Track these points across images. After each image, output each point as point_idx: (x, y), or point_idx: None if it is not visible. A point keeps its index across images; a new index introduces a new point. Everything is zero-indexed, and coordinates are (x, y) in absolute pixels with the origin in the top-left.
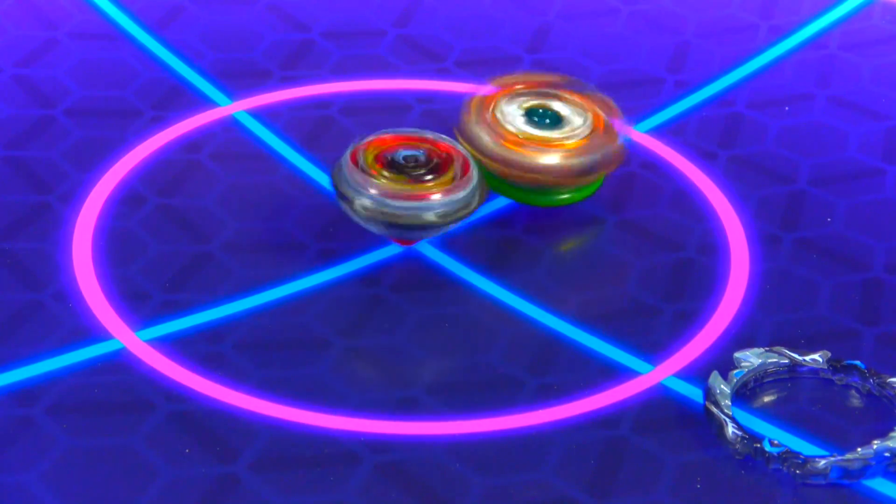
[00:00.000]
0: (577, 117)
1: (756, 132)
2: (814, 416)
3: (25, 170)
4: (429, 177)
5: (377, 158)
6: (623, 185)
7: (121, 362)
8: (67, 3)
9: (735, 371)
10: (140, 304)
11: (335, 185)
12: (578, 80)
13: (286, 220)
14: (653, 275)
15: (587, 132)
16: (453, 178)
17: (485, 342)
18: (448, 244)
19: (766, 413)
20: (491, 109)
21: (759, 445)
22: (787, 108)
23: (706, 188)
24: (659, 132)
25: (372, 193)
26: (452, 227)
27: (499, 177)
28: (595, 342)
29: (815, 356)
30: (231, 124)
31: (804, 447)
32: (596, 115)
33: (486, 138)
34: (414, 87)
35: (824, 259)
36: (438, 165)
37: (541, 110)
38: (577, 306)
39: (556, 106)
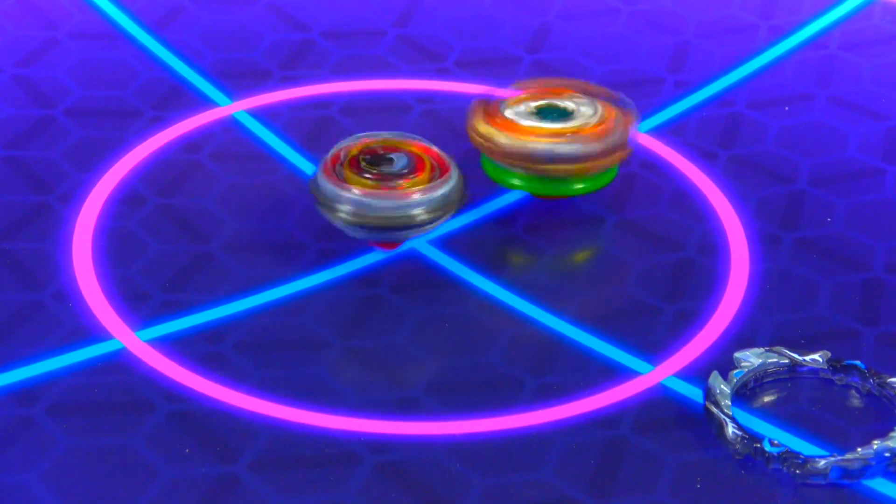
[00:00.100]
0: (586, 108)
1: (756, 132)
2: (814, 416)
3: (25, 170)
4: (406, 177)
5: (353, 163)
6: (623, 185)
7: (121, 362)
8: (67, 3)
9: (735, 371)
10: (140, 304)
11: (315, 195)
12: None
13: (286, 220)
14: (653, 275)
15: (600, 119)
16: (431, 177)
17: (485, 342)
18: (448, 244)
19: (766, 413)
20: (501, 112)
21: (759, 445)
22: (787, 108)
23: (706, 188)
24: (659, 132)
25: (351, 196)
26: (435, 227)
27: (516, 171)
28: (595, 342)
29: (815, 356)
30: (231, 124)
31: (804, 447)
32: (604, 105)
33: (502, 135)
34: (414, 87)
35: (824, 259)
36: (415, 166)
37: (549, 108)
38: (577, 306)
39: (565, 103)
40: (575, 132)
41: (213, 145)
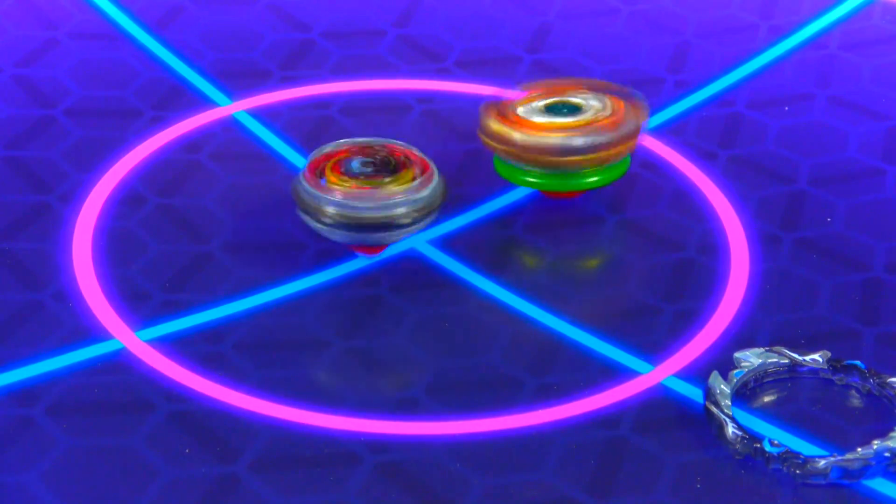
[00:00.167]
0: (595, 102)
1: (756, 132)
2: (814, 416)
3: (25, 170)
4: (388, 179)
5: (334, 168)
6: (623, 185)
7: (121, 362)
8: (67, 3)
9: (735, 371)
10: (140, 304)
11: (296, 200)
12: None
13: (286, 220)
14: (653, 275)
15: (612, 110)
16: (413, 179)
17: (485, 342)
18: (448, 244)
19: (766, 413)
20: (511, 111)
21: (759, 445)
22: (787, 108)
23: (706, 188)
24: (659, 132)
25: (334, 198)
26: (417, 229)
27: (529, 167)
28: (595, 342)
29: (815, 356)
30: (231, 124)
31: (804, 447)
32: (612, 98)
33: (514, 133)
34: (414, 87)
35: (824, 259)
36: (396, 168)
37: (559, 105)
38: (577, 306)
39: (573, 99)
40: (588, 123)
41: (213, 145)
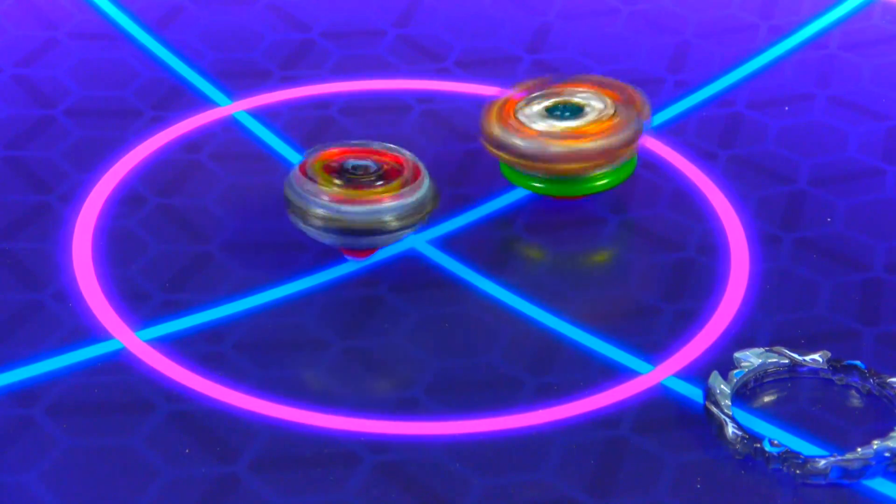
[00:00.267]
0: (596, 102)
1: (756, 132)
2: (814, 416)
3: (25, 170)
4: (379, 183)
5: (325, 169)
6: (623, 185)
7: (121, 362)
8: (67, 3)
9: (735, 371)
10: (140, 304)
11: (286, 202)
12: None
13: (286, 220)
14: (653, 275)
15: (613, 111)
16: (403, 184)
17: (485, 342)
18: (448, 244)
19: (766, 413)
20: (513, 115)
21: (759, 445)
22: (787, 108)
23: (706, 188)
24: (659, 132)
25: (324, 201)
26: (406, 234)
27: (534, 175)
28: (595, 342)
29: (815, 356)
30: (231, 124)
31: (804, 447)
32: (612, 95)
33: (517, 140)
34: (414, 87)
35: (824, 259)
36: (387, 173)
37: (560, 106)
38: (577, 306)
39: (575, 98)
40: (593, 128)
41: (213, 145)
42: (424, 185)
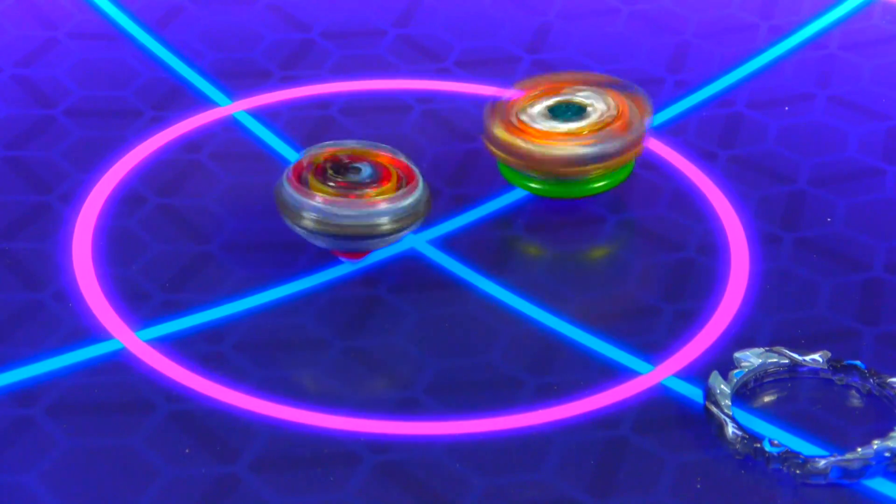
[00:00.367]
0: (599, 102)
1: (756, 132)
2: (814, 416)
3: (25, 170)
4: (372, 186)
5: (319, 171)
6: (623, 185)
7: (121, 362)
8: (67, 3)
9: (735, 371)
10: (140, 304)
11: (278, 202)
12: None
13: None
14: (653, 275)
15: (616, 112)
16: (397, 187)
17: (485, 342)
18: (448, 244)
19: (766, 413)
20: (515, 114)
21: (759, 445)
22: (787, 108)
23: (706, 188)
24: (659, 132)
25: (317, 204)
26: (400, 237)
27: (533, 176)
28: (595, 342)
29: (815, 356)
30: (231, 124)
31: (804, 447)
32: (614, 95)
33: (518, 141)
34: (414, 87)
35: (824, 259)
36: (381, 175)
37: (563, 105)
38: (577, 306)
39: (577, 98)
40: (596, 130)
41: (213, 145)
42: (419, 189)
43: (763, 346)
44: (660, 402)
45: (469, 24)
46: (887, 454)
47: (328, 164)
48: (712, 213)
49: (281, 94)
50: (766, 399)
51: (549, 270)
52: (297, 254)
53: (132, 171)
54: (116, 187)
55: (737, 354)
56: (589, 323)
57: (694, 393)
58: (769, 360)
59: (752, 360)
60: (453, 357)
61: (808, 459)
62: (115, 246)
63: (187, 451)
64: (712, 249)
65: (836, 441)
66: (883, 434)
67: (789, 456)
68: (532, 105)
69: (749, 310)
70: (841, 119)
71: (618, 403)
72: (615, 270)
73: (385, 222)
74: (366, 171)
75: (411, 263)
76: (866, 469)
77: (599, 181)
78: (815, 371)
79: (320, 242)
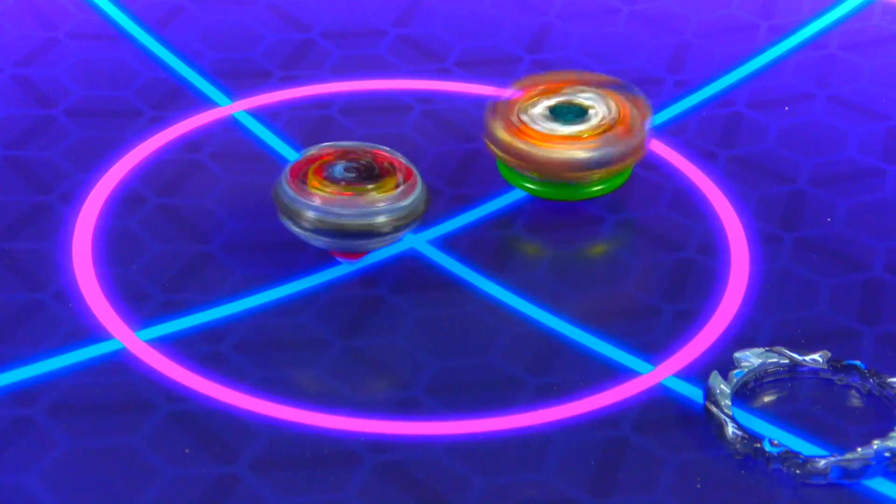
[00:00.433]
0: (600, 105)
1: (756, 132)
2: (814, 416)
3: (25, 170)
4: (371, 186)
5: (317, 171)
6: (623, 184)
7: (121, 362)
8: (67, 3)
9: (735, 371)
10: (140, 304)
11: (277, 203)
12: (617, 79)
13: None
14: (653, 275)
15: (618, 115)
16: (396, 186)
17: (485, 342)
18: (448, 244)
19: (766, 413)
20: (516, 113)
21: (759, 445)
22: (787, 108)
23: (706, 188)
24: (659, 132)
25: (315, 203)
26: (399, 236)
27: (531, 177)
28: (595, 342)
29: (815, 356)
30: (231, 124)
31: (804, 447)
32: (615, 97)
33: (517, 141)
34: (414, 87)
35: (824, 259)
36: (380, 175)
37: (564, 106)
38: (577, 306)
39: (578, 99)
40: (598, 134)
41: (213, 145)
42: (417, 188)
43: (763, 346)
44: (660, 402)
45: (469, 24)
46: (887, 454)
47: (326, 165)
48: (712, 213)
49: (281, 94)
50: (766, 399)
51: (549, 270)
52: (297, 254)
53: (132, 171)
54: (116, 187)
55: (737, 354)
56: (589, 323)
57: (694, 393)
58: (769, 360)
59: (752, 360)
60: (453, 357)
61: (808, 459)
62: (115, 246)
63: (187, 451)
64: (712, 249)
65: (836, 441)
66: (883, 434)
67: (789, 456)
68: (533, 105)
69: (749, 310)
70: (841, 119)
71: (618, 403)
72: (615, 270)
73: (384, 221)
74: (364, 170)
75: (411, 263)
76: (866, 469)
77: (597, 185)
78: (815, 371)
79: (318, 242)
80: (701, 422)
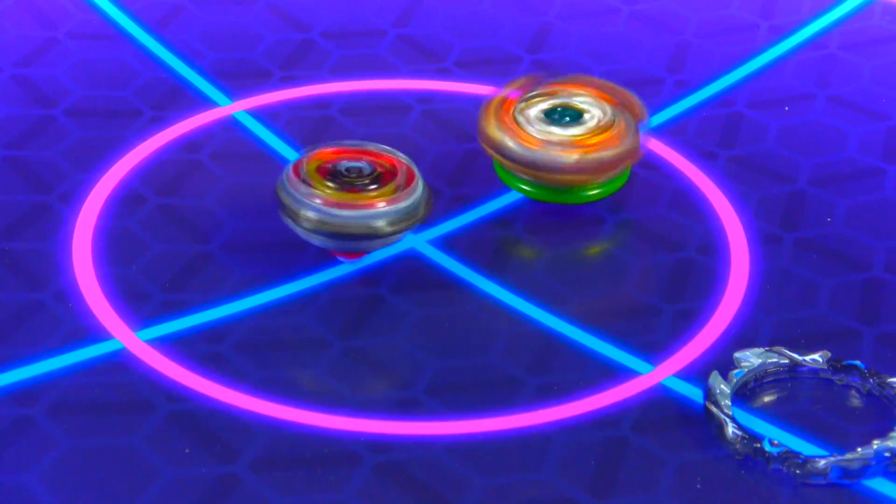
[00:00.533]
0: (595, 108)
1: (756, 132)
2: (814, 416)
3: (25, 170)
4: (372, 187)
5: (319, 171)
6: (622, 186)
7: (121, 362)
8: (67, 3)
9: (735, 371)
10: (140, 304)
11: (278, 199)
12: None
13: None
14: (653, 275)
15: (612, 120)
16: (397, 188)
17: (485, 342)
18: (448, 244)
19: (766, 413)
20: (511, 114)
21: (759, 445)
22: (787, 108)
23: (706, 188)
24: (659, 132)
25: (316, 204)
26: (399, 237)
27: (527, 180)
28: (595, 342)
29: (815, 356)
30: (231, 124)
31: (804, 447)
32: (610, 101)
33: (511, 144)
34: (414, 87)
35: (824, 259)
36: (381, 176)
37: (559, 109)
38: (577, 306)
39: (574, 102)
40: (592, 140)
41: (213, 145)
42: (418, 190)
43: (763, 346)
44: (660, 402)
45: (469, 24)
46: (887, 454)
47: (328, 164)
48: (712, 213)
49: (281, 94)
50: (766, 399)
51: (549, 270)
52: (297, 254)
53: (132, 171)
54: (116, 187)
55: (737, 354)
56: (589, 323)
57: (694, 393)
58: (769, 360)
59: (752, 360)
60: (453, 357)
61: (808, 459)
62: (115, 246)
63: (187, 451)
64: (712, 249)
65: (836, 441)
66: (883, 434)
67: (789, 456)
68: (529, 107)
69: (749, 310)
70: (841, 119)
71: (618, 403)
72: (615, 270)
73: (384, 223)
74: (366, 170)
75: (411, 263)
76: (866, 469)
77: (594, 189)
78: (815, 371)
79: (319, 242)
80: (701, 422)
